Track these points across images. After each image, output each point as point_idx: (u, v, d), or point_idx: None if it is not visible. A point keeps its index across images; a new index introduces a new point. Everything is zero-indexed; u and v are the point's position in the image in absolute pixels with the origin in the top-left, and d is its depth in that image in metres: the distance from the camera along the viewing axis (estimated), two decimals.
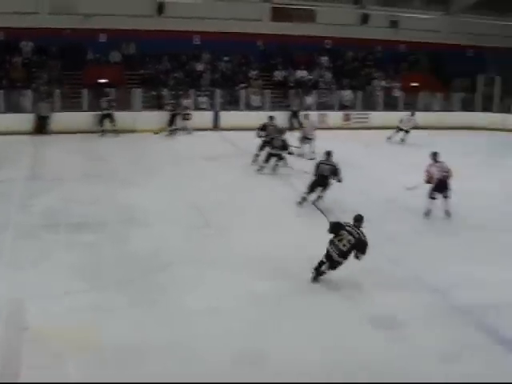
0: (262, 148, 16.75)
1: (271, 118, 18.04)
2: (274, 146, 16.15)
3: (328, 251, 9.31)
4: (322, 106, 25.27)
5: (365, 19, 27.99)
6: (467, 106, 27.40)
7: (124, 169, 16.44)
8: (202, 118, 22.84)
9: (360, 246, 9.15)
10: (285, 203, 13.93)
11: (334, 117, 24.85)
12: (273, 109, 23.36)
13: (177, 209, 13.01)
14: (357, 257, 9.18)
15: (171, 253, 10.47)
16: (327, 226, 9.70)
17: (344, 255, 9.21)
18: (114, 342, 7.39)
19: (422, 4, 29.39)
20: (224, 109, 23.68)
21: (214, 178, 15.74)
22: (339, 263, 9.30)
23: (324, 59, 27.32)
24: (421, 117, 23.51)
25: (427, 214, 12.81)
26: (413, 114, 22.41)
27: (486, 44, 28.29)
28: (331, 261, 9.32)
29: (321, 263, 9.40)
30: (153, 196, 13.74)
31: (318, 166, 13.43)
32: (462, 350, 8.00)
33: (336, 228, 9.39)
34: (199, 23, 24.92)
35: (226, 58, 25.87)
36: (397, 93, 26.69)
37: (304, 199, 13.41)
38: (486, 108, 27.37)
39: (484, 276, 10.24)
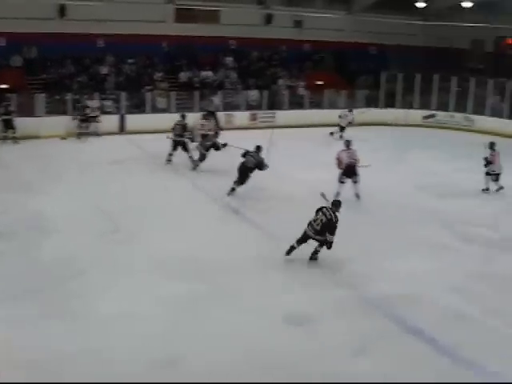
0: (175, 148, 18.02)
1: (183, 116, 19.00)
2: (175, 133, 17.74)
3: (305, 232, 10.95)
4: (229, 107, 26.14)
5: (269, 19, 29.33)
6: (371, 103, 28.92)
7: (31, 176, 16.57)
8: (108, 121, 23.10)
9: (329, 227, 10.67)
10: (194, 203, 14.82)
11: (241, 117, 25.82)
12: (179, 110, 23.84)
13: (86, 215, 13.37)
14: (326, 238, 10.73)
15: (83, 260, 10.82)
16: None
17: (319, 233, 10.80)
18: (26, 356, 7.60)
19: (325, 4, 30.84)
20: (130, 112, 24.13)
21: (122, 182, 16.28)
22: (314, 239, 10.97)
23: (229, 60, 28.24)
24: (327, 114, 24.91)
25: (336, 196, 14.15)
26: (350, 111, 24.14)
27: (387, 42, 30.22)
28: (305, 237, 10.97)
29: (295, 244, 11.07)
30: (61, 203, 14.06)
31: (244, 157, 15.04)
32: (373, 341, 8.73)
33: (317, 211, 10.97)
34: (102, 25, 25.17)
35: (130, 61, 26.26)
36: (302, 91, 28.03)
37: (233, 190, 15.00)
38: (389, 104, 29.06)
39: (393, 268, 11.22)
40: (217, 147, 17.66)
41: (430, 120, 28.94)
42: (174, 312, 9.17)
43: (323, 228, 10.81)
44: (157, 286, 9.96)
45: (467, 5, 27.97)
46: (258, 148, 15.23)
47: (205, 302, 9.55)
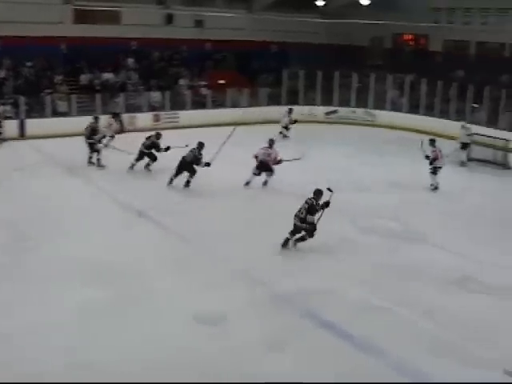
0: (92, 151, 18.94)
1: (96, 118, 19.79)
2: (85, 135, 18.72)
3: (294, 223, 12.55)
4: (131, 108, 26.62)
5: (169, 19, 30.27)
6: (274, 101, 30.18)
7: None
8: (8, 127, 23.08)
9: (310, 209, 12.37)
10: (101, 207, 15.45)
11: (144, 118, 26.37)
12: (80, 114, 24.52)
13: None
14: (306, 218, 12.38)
15: None
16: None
17: (304, 221, 12.44)
18: None
19: (226, 3, 32.09)
20: (30, 116, 24.17)
21: (25, 188, 16.49)
22: (301, 228, 12.51)
23: (130, 61, 28.75)
24: (228, 113, 26.14)
25: (246, 184, 17.20)
26: (290, 110, 25.57)
27: (288, 40, 31.74)
28: (295, 228, 12.49)
29: (289, 235, 12.63)
30: None
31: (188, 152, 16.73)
32: (287, 337, 9.30)
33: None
34: None
35: (28, 64, 26.19)
36: (204, 91, 29.09)
37: (171, 180, 16.76)
38: (292, 102, 30.12)
39: (302, 263, 12.08)
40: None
41: (332, 116, 30.55)
42: (87, 319, 9.50)
43: (306, 213, 12.43)
44: (68, 293, 10.29)
45: (365, 2, 29.56)
46: (200, 144, 16.83)
47: (115, 307, 9.94)
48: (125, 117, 24.61)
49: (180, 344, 8.93)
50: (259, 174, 17.43)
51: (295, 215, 12.61)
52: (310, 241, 12.96)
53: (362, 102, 30.73)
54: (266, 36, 31.80)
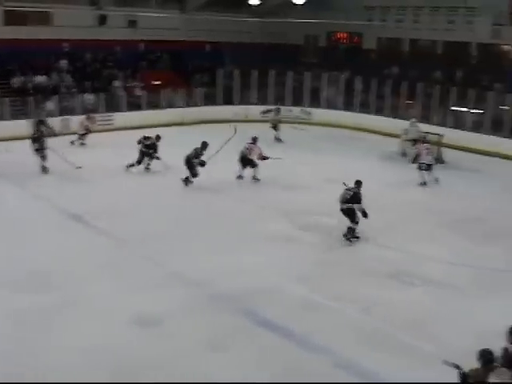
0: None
1: (41, 121, 20.79)
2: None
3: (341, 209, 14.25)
4: (65, 111, 27.00)
5: (102, 20, 30.82)
6: (209, 101, 31.16)
7: None
8: None
9: (356, 198, 14.08)
10: (36, 213, 15.71)
11: (78, 121, 25.72)
12: (13, 117, 24.86)
13: None
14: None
15: None
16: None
17: (348, 201, 14.22)
18: None
19: (159, 3, 32.81)
20: None
21: None
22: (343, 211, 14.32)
23: (63, 62, 29.08)
24: (164, 114, 27.09)
25: (238, 178, 18.90)
26: (277, 109, 26.82)
27: (222, 40, 32.74)
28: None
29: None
30: None
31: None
32: (228, 336, 9.61)
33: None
34: None
35: None
36: (139, 92, 29.77)
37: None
38: (227, 101, 31.38)
39: (240, 263, 12.36)
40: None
41: (267, 115, 31.09)
42: (23, 326, 9.72)
43: (351, 200, 14.07)
44: (3, 301, 10.51)
45: (299, 1, 30.57)
46: (204, 144, 18.32)
47: (51, 312, 10.19)
48: (57, 120, 24.98)
49: (119, 347, 9.17)
50: (244, 168, 19.08)
51: (340, 201, 14.27)
52: (248, 239, 13.81)
53: (297, 101, 31.92)
54: (201, 36, 32.64)
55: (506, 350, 7.46)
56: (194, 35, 32.46)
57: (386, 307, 11.11)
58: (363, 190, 14.16)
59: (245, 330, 10.06)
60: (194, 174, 18.15)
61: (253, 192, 18.18)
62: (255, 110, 31.38)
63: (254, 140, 19.48)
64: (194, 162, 18.06)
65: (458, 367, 7.13)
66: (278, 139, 25.93)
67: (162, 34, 31.65)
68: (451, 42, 30.97)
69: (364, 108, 30.87)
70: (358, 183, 14.42)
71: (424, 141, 21.47)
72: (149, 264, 12.54)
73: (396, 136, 25.43)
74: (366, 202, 14.11)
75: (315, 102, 31.85)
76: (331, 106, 31.72)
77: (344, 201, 14.18)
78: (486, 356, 7.07)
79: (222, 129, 26.23)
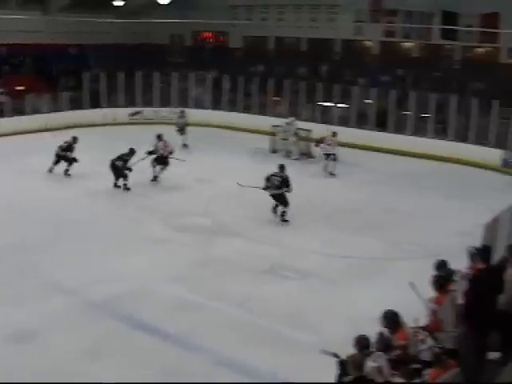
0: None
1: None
2: None
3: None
4: None
5: None
6: (76, 105, 31.18)
7: None
8: None
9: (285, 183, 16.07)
10: None
11: None
12: None
13: None
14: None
15: None
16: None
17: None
18: None
19: (19, 4, 32.07)
20: None
21: None
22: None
23: None
24: (28, 120, 27.18)
25: (153, 180, 19.61)
26: (182, 113, 26.77)
27: (87, 42, 32.80)
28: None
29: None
30: None
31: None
32: (105, 344, 9.69)
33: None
34: None
35: None
36: (2, 98, 29.29)
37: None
38: (95, 105, 31.53)
39: (113, 267, 12.57)
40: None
41: (136, 117, 32.08)
42: None
43: (281, 185, 16.02)
44: None
45: (164, 1, 30.93)
46: (131, 151, 19.03)
47: None
48: None
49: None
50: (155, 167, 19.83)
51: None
52: (121, 243, 14.21)
53: (165, 101, 32.50)
54: (64, 38, 32.34)
55: (381, 334, 7.96)
56: (57, 37, 32.09)
57: (264, 302, 11.58)
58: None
59: (121, 334, 10.23)
60: (124, 176, 18.84)
61: (129, 195, 18.63)
62: (123, 113, 31.77)
63: (160, 137, 20.26)
64: (118, 165, 18.61)
65: (336, 355, 7.63)
66: (184, 145, 25.64)
67: (24, 37, 30.99)
68: (315, 38, 32.61)
69: (232, 106, 31.94)
70: (282, 167, 16.41)
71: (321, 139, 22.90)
72: (20, 275, 12.39)
73: (264, 133, 26.64)
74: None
75: (184, 101, 32.25)
76: (199, 105, 32.44)
77: (274, 187, 15.98)
78: (361, 342, 7.54)
79: (89, 133, 26.55)
